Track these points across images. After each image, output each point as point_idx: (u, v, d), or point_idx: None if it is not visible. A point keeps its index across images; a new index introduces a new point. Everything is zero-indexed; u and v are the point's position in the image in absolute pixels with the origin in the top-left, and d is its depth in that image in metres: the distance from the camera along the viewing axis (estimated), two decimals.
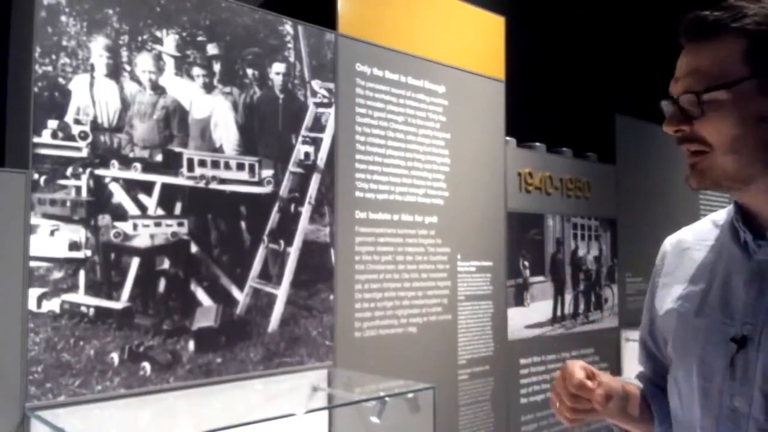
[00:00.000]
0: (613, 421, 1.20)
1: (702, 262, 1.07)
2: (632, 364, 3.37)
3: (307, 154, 2.05)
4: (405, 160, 2.35)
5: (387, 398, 1.82)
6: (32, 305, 1.49)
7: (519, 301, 2.83)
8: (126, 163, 1.66)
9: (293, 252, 1.99)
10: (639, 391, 1.20)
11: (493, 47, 2.73)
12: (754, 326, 0.93)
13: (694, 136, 0.95)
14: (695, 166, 0.96)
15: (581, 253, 3.19)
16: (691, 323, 1.03)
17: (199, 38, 1.81)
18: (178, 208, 1.75)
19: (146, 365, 1.66)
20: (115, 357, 1.61)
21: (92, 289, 1.59)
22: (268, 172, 1.94)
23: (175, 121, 1.75)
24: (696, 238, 1.12)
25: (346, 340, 2.11)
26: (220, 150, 1.84)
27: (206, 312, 1.79)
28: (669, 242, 1.19)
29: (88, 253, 1.59)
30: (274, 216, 1.95)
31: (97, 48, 1.62)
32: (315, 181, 2.06)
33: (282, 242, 1.97)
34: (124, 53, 1.67)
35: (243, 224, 1.88)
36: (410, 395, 1.85)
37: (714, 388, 0.97)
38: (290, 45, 2.02)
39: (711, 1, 0.97)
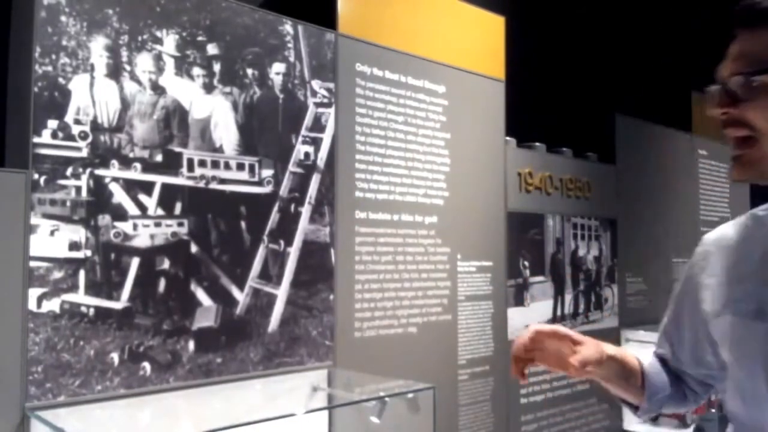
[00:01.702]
0: (606, 384, 1.24)
1: (750, 259, 1.05)
2: None
3: (307, 154, 2.05)
4: (405, 160, 2.35)
5: (387, 398, 1.82)
6: (32, 305, 1.49)
7: (519, 301, 2.83)
8: (126, 163, 1.66)
9: (293, 252, 1.99)
10: (638, 361, 1.23)
11: (493, 47, 2.73)
12: None
13: (740, 119, 0.95)
14: (741, 158, 0.96)
15: (581, 253, 3.19)
16: (750, 326, 1.00)
17: (199, 38, 1.81)
18: (178, 208, 1.75)
19: (146, 365, 1.66)
20: (115, 357, 1.61)
21: (92, 289, 1.59)
22: (268, 172, 1.94)
23: (175, 121, 1.75)
24: (740, 235, 1.10)
25: (346, 340, 2.11)
26: (220, 150, 1.84)
27: (206, 312, 1.79)
28: (710, 240, 1.16)
29: (88, 253, 1.59)
30: (274, 216, 1.95)
31: (97, 48, 1.62)
32: (315, 181, 2.06)
33: (282, 242, 1.97)
34: (124, 53, 1.67)
35: (243, 224, 1.88)
36: (410, 395, 1.85)
37: None
38: (290, 45, 2.02)
39: (710, 1, 0.98)
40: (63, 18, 1.57)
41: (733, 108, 0.95)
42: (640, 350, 1.31)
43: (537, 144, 3.05)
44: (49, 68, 1.54)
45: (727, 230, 1.13)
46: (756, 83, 0.92)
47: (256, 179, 1.91)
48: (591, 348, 1.13)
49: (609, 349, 1.19)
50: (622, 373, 1.21)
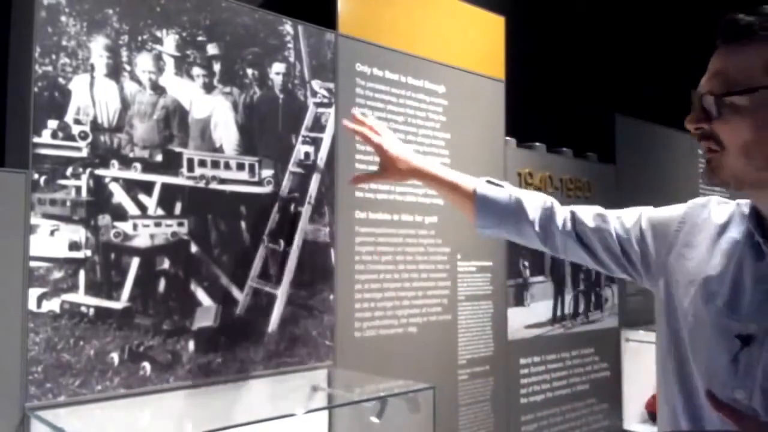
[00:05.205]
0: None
1: (720, 249, 1.11)
2: (632, 364, 3.38)
3: (307, 154, 2.05)
4: None
5: (387, 398, 1.82)
6: (32, 305, 1.49)
7: (519, 301, 2.83)
8: (126, 163, 1.66)
9: (293, 252, 1.99)
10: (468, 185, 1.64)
11: (493, 47, 2.73)
12: (759, 326, 0.97)
13: (711, 134, 1.00)
14: (709, 163, 1.02)
15: None
16: (701, 309, 1.07)
17: (199, 38, 1.81)
18: (178, 208, 1.75)
19: (146, 365, 1.66)
20: (115, 357, 1.61)
21: (92, 289, 1.59)
22: (268, 172, 1.94)
23: (175, 121, 1.75)
24: (721, 221, 1.15)
25: (346, 340, 2.11)
26: (220, 150, 1.84)
27: (206, 312, 1.79)
28: (695, 210, 1.23)
29: (88, 253, 1.59)
30: (274, 216, 1.95)
31: (97, 48, 1.62)
32: (315, 181, 2.06)
33: (282, 242, 1.97)
34: (124, 53, 1.67)
35: (243, 224, 1.88)
36: (410, 395, 1.85)
37: (717, 378, 1.01)
38: (290, 45, 2.02)
39: (706, 4, 0.99)
40: (63, 18, 1.57)
41: (706, 123, 1.01)
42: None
43: (537, 144, 3.04)
44: (49, 68, 1.54)
45: (714, 211, 1.18)
46: (726, 103, 0.96)
47: (256, 179, 1.91)
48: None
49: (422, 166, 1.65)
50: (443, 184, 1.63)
